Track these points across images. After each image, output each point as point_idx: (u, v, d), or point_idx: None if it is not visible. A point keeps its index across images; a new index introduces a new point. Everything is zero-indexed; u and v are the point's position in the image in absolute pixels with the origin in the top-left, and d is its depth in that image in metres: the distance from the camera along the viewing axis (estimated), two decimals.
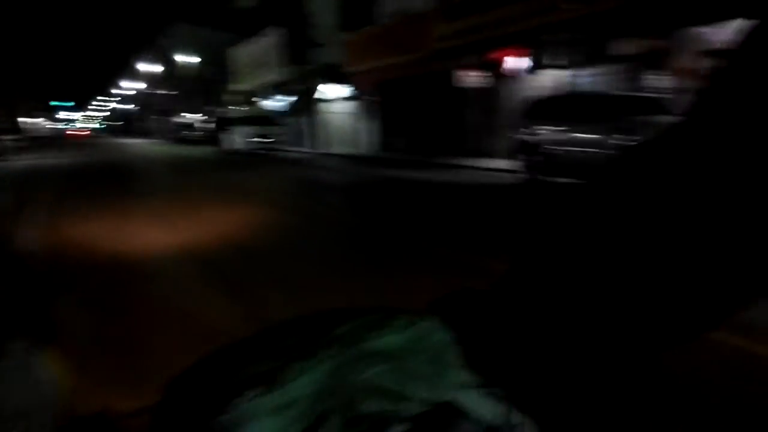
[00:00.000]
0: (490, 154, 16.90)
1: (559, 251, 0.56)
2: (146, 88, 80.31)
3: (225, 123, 27.99)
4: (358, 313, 0.77)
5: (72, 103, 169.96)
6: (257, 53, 33.48)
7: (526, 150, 12.29)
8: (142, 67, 78.29)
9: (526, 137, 12.36)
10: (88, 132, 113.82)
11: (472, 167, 15.55)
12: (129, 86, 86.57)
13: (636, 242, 0.48)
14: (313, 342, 0.67)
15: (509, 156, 14.14)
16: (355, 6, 24.75)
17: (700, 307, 0.47)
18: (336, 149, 25.60)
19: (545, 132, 11.71)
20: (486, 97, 17.35)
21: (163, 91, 68.89)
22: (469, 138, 18.36)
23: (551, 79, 14.56)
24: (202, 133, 43.36)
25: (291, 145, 28.34)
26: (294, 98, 30.54)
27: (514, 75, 15.79)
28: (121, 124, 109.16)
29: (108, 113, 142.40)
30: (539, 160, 11.82)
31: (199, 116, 52.31)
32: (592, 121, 10.29)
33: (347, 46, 24.43)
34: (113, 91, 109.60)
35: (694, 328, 0.48)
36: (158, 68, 65.96)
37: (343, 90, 26.37)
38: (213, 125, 44.61)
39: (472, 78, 17.01)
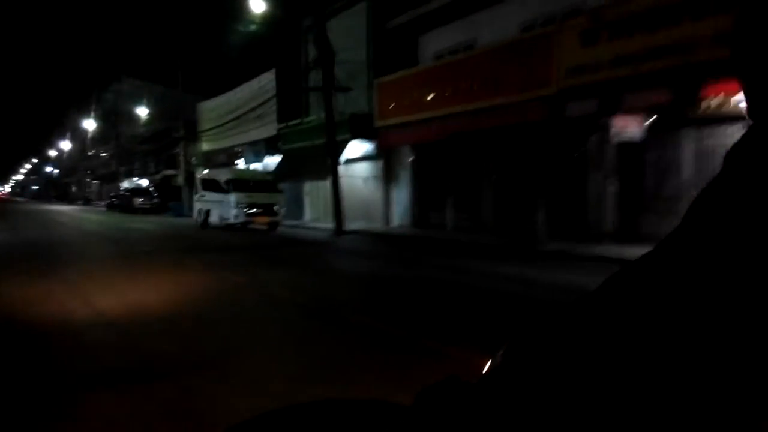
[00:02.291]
0: (641, 239, 11.15)
1: (560, 354, 0.52)
2: (81, 150, 71.58)
3: (208, 187, 21.11)
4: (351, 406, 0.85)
5: None
6: (242, 105, 27.24)
7: None
8: (78, 126, 70.12)
9: None
10: (5, 196, 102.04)
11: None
12: (61, 147, 77.48)
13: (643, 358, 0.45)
14: None
15: None
16: (392, 42, 19.18)
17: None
18: (355, 224, 19.26)
19: None
20: (642, 153, 11.75)
21: (103, 153, 60.74)
22: (597, 214, 12.58)
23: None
24: (153, 200, 36.01)
25: (288, 217, 21.78)
26: (279, 158, 24.30)
27: (728, 120, 10.31)
28: (46, 189, 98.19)
29: (34, 177, 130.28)
30: None
31: (145, 181, 44.83)
32: None
33: (379, 91, 18.64)
34: (44, 153, 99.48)
35: None
36: (94, 126, 58.07)
37: (364, 148, 20.39)
38: (167, 190, 37.77)
39: (627, 125, 11.35)
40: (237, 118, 27.49)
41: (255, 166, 26.10)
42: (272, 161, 24.91)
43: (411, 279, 9.13)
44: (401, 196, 19.72)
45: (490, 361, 0.68)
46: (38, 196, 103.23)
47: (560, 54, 12.30)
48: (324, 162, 19.63)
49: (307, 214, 24.31)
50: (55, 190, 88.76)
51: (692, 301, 0.43)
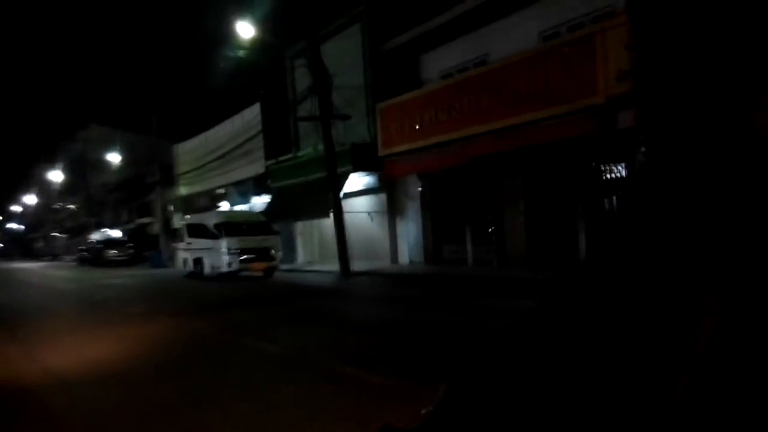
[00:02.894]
0: None
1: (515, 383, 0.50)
2: (46, 203, 68.29)
3: (194, 233, 18.95)
4: None
5: None
6: (224, 143, 25.39)
7: None
8: (43, 178, 66.98)
9: None
10: None
11: None
12: (25, 202, 73.95)
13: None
14: None
15: None
16: (391, 63, 17.65)
17: None
18: (359, 263, 17.32)
19: None
20: None
21: (70, 205, 57.76)
22: None
23: None
24: (128, 251, 33.57)
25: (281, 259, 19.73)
26: (268, 197, 22.40)
27: None
28: (9, 246, 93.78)
29: None
30: None
31: (117, 231, 42.23)
32: None
33: (382, 117, 16.99)
34: (6, 209, 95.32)
35: None
36: (60, 177, 55.27)
37: (362, 181, 18.66)
38: (142, 239, 35.26)
39: None
40: (220, 157, 25.57)
41: (241, 208, 24.08)
42: (260, 201, 22.95)
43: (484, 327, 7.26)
44: (409, 231, 17.93)
45: (426, 407, 0.66)
46: (1, 254, 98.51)
47: (606, 57, 10.80)
48: (321, 198, 17.80)
49: (300, 257, 22.31)
50: (20, 247, 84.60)
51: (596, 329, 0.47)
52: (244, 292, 14.60)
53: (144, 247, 34.20)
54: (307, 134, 21.14)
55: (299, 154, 20.48)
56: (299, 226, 21.70)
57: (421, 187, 17.24)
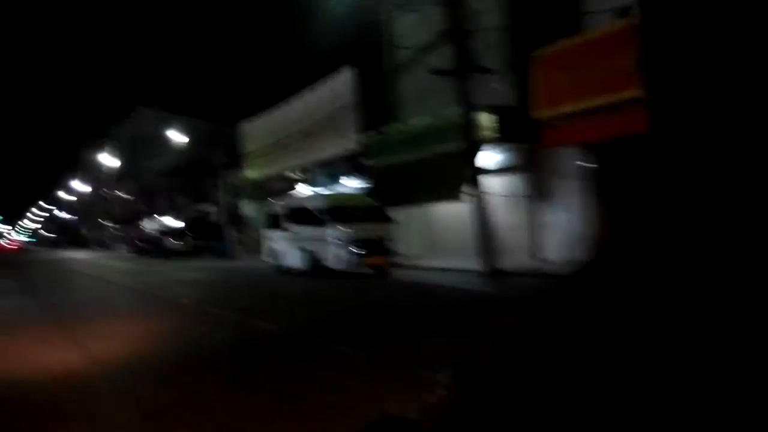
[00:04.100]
0: None
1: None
2: (96, 191, 66.62)
3: (295, 219, 15.29)
4: None
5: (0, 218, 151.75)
6: (304, 117, 21.98)
7: None
8: (93, 166, 65.20)
9: None
10: (17, 245, 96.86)
11: None
12: (75, 190, 72.55)
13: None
14: None
15: None
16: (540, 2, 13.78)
17: None
18: (503, 260, 13.52)
19: None
20: None
21: (121, 193, 55.61)
22: None
23: None
24: (190, 241, 30.65)
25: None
26: (361, 179, 18.86)
27: None
28: (58, 234, 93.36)
29: (43, 223, 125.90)
30: None
31: (173, 220, 39.46)
32: None
33: (541, 69, 13.15)
34: (56, 197, 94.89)
35: None
36: (111, 164, 53.01)
37: (494, 157, 14.92)
38: (203, 228, 32.16)
39: None
40: (298, 134, 22.14)
41: (321, 191, 20.56)
42: (352, 183, 19.43)
43: None
44: (559, 219, 14.11)
45: (430, 397, 0.66)
46: (50, 243, 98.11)
47: None
48: (449, 176, 14.15)
49: (402, 250, 18.67)
50: (69, 235, 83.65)
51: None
52: (368, 296, 11.09)
53: (204, 237, 31.19)
54: (412, 101, 17.51)
55: (411, 123, 16.77)
56: (400, 215, 18.07)
57: (586, 162, 13.38)
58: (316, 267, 14.46)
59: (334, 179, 20.19)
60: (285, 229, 15.76)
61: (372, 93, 18.92)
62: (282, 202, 17.09)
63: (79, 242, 72.27)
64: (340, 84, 20.21)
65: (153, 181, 44.99)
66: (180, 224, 35.52)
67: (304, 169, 22.47)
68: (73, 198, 75.62)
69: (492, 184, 15.26)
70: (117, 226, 60.10)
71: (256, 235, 28.21)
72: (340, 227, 13.74)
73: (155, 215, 43.31)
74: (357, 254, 13.56)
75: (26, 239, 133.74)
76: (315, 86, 21.89)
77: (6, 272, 24.06)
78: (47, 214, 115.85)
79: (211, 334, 8.03)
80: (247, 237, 28.41)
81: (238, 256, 25.95)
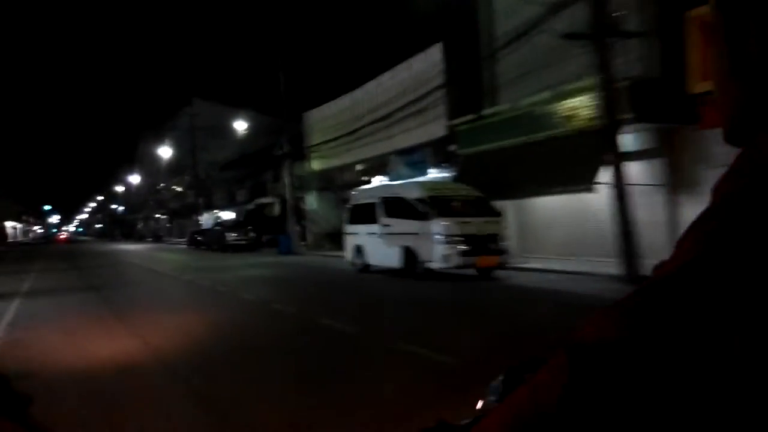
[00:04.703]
0: None
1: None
2: (150, 183, 66.62)
3: (390, 212, 13.17)
4: None
5: (57, 212, 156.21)
6: (379, 104, 20.18)
7: None
8: (148, 157, 65.23)
9: None
10: (66, 236, 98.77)
11: None
12: (129, 181, 72.87)
13: None
14: None
15: None
16: None
17: None
18: (606, 262, 11.21)
19: None
20: None
21: (175, 186, 55.06)
22: None
23: None
24: (249, 235, 29.26)
25: None
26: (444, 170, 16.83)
27: None
28: (111, 227, 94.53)
29: (96, 215, 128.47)
30: None
31: (228, 213, 38.33)
32: None
33: (696, 34, 10.83)
34: (109, 189, 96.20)
35: None
36: (167, 155, 52.35)
37: (624, 139, 12.61)
38: (261, 222, 30.80)
39: None
40: (375, 121, 20.28)
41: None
42: (439, 174, 17.42)
43: None
44: None
45: (480, 402, 0.64)
46: (102, 235, 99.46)
47: None
48: (572, 164, 12.02)
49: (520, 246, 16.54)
50: (121, 227, 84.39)
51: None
52: (493, 305, 9.08)
53: (264, 231, 29.74)
54: (511, 82, 15.40)
55: (515, 104, 14.64)
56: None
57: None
58: (412, 266, 12.47)
59: (416, 170, 18.19)
60: (375, 223, 13.80)
61: (465, 72, 16.88)
62: (369, 193, 15.15)
63: (131, 234, 72.52)
64: (428, 63, 18.25)
65: (210, 173, 44.02)
66: (238, 218, 34.28)
67: (380, 160, 20.59)
68: (128, 191, 76.01)
69: (627, 172, 13.01)
70: (167, 218, 59.80)
71: (320, 229, 26.60)
72: (444, 221, 11.70)
73: (210, 208, 42.32)
74: (467, 253, 11.50)
75: (74, 230, 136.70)
76: (395, 68, 20.00)
77: (57, 265, 23.03)
78: (101, 208, 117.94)
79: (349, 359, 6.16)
80: (310, 232, 26.80)
81: (302, 252, 24.31)
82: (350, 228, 15.25)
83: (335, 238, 26.39)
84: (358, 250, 14.73)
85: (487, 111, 15.63)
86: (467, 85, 16.78)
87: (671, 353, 0.40)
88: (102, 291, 12.57)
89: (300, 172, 26.65)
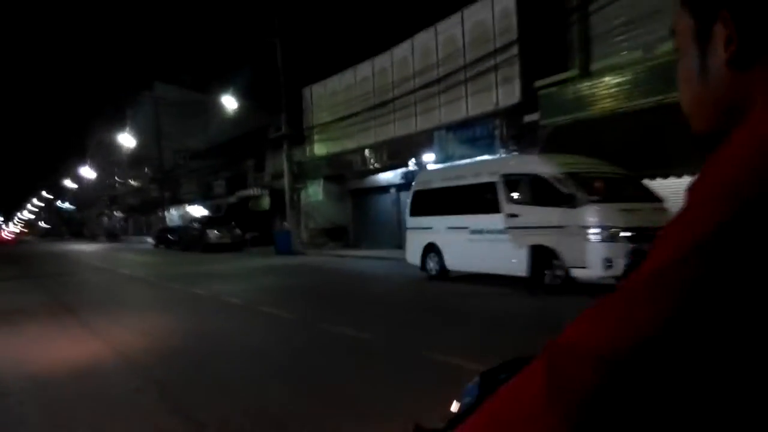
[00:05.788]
0: None
1: None
2: (103, 178, 60.52)
3: (514, 197, 8.91)
4: None
5: None
6: (410, 72, 16.33)
7: None
8: (100, 149, 59.13)
9: None
10: (13, 237, 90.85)
11: None
12: (80, 175, 66.25)
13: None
14: None
15: None
16: None
17: None
18: None
19: None
20: None
21: (132, 181, 49.57)
22: None
23: None
24: (233, 233, 24.88)
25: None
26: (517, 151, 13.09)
27: None
28: (59, 226, 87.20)
29: (42, 214, 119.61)
30: None
31: (198, 208, 33.63)
32: None
33: None
34: (56, 185, 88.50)
35: None
36: (126, 145, 46.71)
37: None
38: (246, 217, 26.38)
39: None
40: (410, 92, 16.35)
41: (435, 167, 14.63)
42: (512, 156, 13.60)
43: None
44: None
45: (455, 404, 0.63)
46: (49, 234, 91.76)
47: None
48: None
49: None
50: (69, 226, 77.46)
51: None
52: None
53: (247, 227, 25.37)
54: (606, 34, 11.79)
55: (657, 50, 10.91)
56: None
57: None
58: (541, 273, 8.56)
59: (477, 148, 14.25)
60: (459, 213, 9.77)
61: (547, 22, 13.14)
62: (446, 174, 11.12)
63: (82, 234, 66.14)
64: (489, 14, 14.44)
65: (179, 162, 39.09)
66: (216, 213, 29.74)
67: (415, 139, 16.61)
68: (80, 185, 69.40)
69: None
70: (123, 215, 54.17)
71: (317, 224, 22.54)
72: (603, 208, 7.84)
73: (181, 203, 37.44)
74: (638, 254, 7.69)
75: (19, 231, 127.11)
76: (441, 23, 16.10)
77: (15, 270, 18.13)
78: (47, 205, 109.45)
79: None
80: (306, 228, 22.66)
81: (303, 251, 20.18)
82: (416, 221, 11.24)
83: (335, 235, 22.54)
84: (431, 250, 10.75)
85: (595, 66, 11.91)
86: (550, 39, 13.06)
87: (653, 356, 0.39)
88: (80, 316, 8.22)
89: (300, 158, 22.46)
